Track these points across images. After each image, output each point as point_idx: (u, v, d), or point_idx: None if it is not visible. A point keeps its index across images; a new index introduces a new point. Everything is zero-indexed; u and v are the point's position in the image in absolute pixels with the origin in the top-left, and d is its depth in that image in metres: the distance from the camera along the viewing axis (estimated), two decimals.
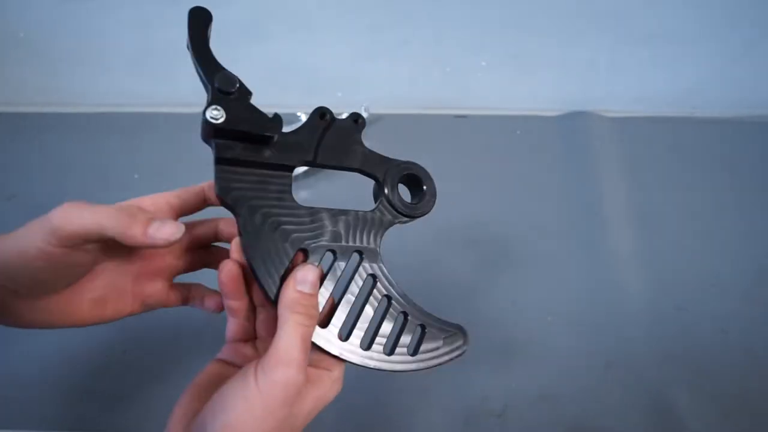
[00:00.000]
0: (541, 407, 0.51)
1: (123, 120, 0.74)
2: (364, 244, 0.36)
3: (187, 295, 0.40)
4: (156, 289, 0.38)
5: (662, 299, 0.58)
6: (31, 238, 0.31)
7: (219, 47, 0.82)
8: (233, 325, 0.36)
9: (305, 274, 0.32)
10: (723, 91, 0.76)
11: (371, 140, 0.79)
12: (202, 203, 0.38)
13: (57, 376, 0.53)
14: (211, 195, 0.36)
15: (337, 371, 0.34)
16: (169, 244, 0.32)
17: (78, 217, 0.30)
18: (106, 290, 0.36)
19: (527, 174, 0.70)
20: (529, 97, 0.77)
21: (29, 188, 0.67)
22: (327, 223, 0.35)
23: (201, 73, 0.33)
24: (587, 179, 0.69)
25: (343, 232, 0.35)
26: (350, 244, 0.35)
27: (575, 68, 0.75)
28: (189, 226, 0.37)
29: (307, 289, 0.32)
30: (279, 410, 0.30)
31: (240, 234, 0.33)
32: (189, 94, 0.78)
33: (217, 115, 0.31)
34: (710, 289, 0.59)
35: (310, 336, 0.32)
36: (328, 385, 0.34)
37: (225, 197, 0.33)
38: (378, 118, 0.75)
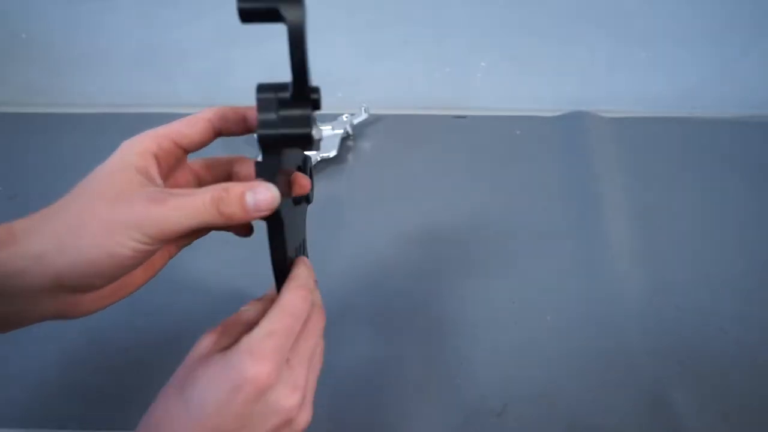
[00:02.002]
0: (541, 406, 0.51)
1: (123, 120, 0.74)
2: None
3: None
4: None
5: (662, 299, 0.58)
6: (116, 239, 0.28)
7: (219, 47, 0.83)
8: None
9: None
10: (723, 92, 0.76)
11: (371, 140, 0.79)
12: (243, 127, 0.34)
13: (57, 376, 0.53)
14: (253, 120, 0.33)
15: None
16: (273, 212, 0.30)
17: (167, 216, 0.28)
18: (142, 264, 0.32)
19: (527, 174, 0.70)
20: (529, 98, 0.77)
21: (30, 188, 0.67)
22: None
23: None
24: (587, 179, 0.69)
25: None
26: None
27: (575, 68, 0.75)
28: (203, 165, 0.35)
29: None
30: None
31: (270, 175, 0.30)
32: (189, 94, 0.78)
33: None
34: (710, 288, 0.59)
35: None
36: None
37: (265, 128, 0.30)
38: (378, 118, 0.75)
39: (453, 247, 0.62)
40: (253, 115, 0.33)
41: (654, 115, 0.76)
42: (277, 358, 0.28)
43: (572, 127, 0.75)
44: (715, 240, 0.63)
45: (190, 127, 0.33)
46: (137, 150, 0.31)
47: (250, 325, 0.30)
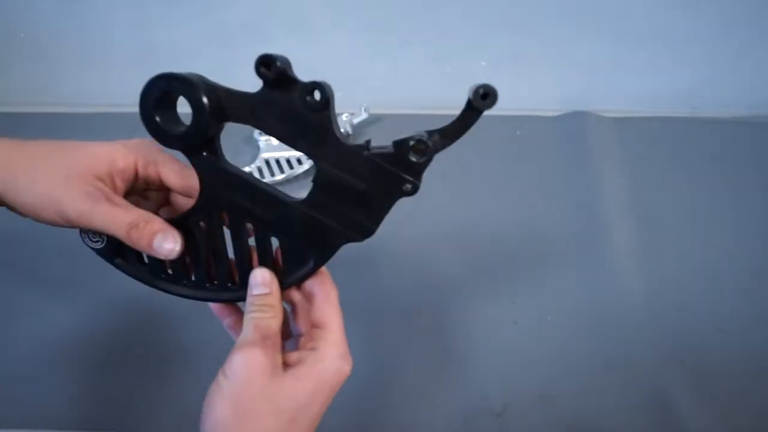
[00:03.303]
0: (541, 406, 0.51)
1: (121, 119, 0.74)
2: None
3: None
4: None
5: (662, 299, 0.58)
6: (46, 204, 0.34)
7: (219, 47, 0.83)
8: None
9: (257, 276, 0.36)
10: (723, 91, 0.76)
11: (372, 141, 0.79)
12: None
13: (57, 376, 0.53)
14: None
15: (323, 350, 0.34)
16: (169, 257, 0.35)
17: (91, 219, 0.33)
18: None
19: (527, 174, 0.70)
20: (529, 97, 0.77)
21: None
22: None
23: None
24: (587, 179, 0.69)
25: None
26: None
27: (575, 68, 0.75)
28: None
29: (260, 291, 0.35)
30: (246, 391, 0.31)
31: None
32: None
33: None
34: (710, 288, 0.59)
35: (269, 325, 0.34)
36: (309, 364, 0.34)
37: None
38: (378, 118, 0.75)
39: (453, 247, 0.62)
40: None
41: (655, 114, 0.76)
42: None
43: (573, 126, 0.75)
44: (716, 240, 0.63)
45: (177, 172, 0.38)
46: (121, 161, 0.36)
47: (283, 331, 0.36)
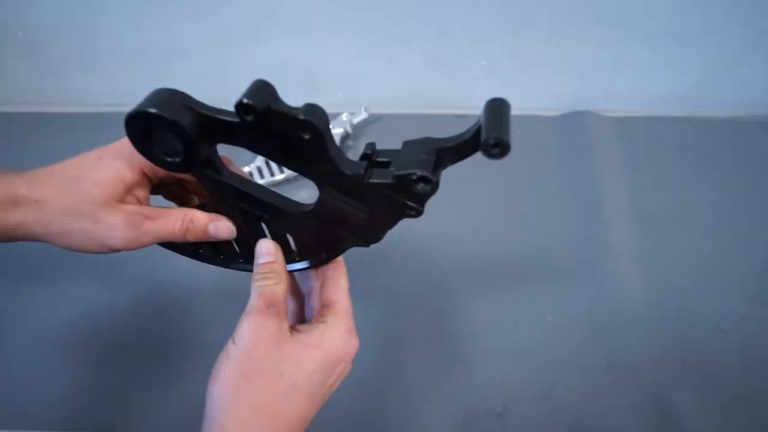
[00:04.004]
0: (542, 407, 0.51)
1: (120, 119, 0.74)
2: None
3: None
4: None
5: (663, 299, 0.58)
6: (89, 241, 0.35)
7: (220, 48, 0.83)
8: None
9: (261, 247, 0.37)
10: (724, 91, 0.76)
11: (371, 140, 0.79)
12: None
13: (56, 376, 0.53)
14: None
15: (331, 321, 0.36)
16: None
17: (143, 237, 0.35)
18: None
19: (528, 174, 0.70)
20: (530, 97, 0.77)
21: None
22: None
23: None
24: (588, 179, 0.68)
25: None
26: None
27: (576, 68, 0.75)
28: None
29: (264, 259, 0.37)
30: (251, 354, 0.33)
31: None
32: (190, 94, 0.78)
33: None
34: (711, 289, 0.59)
35: (274, 292, 0.35)
36: (317, 334, 0.35)
37: None
38: (378, 118, 0.75)
39: (453, 247, 0.62)
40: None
41: (656, 114, 0.76)
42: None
43: (574, 126, 0.75)
44: (717, 240, 0.63)
45: None
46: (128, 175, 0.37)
47: (299, 314, 0.41)
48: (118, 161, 0.35)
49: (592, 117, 0.75)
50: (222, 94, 0.77)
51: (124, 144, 0.35)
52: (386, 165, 0.32)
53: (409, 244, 0.62)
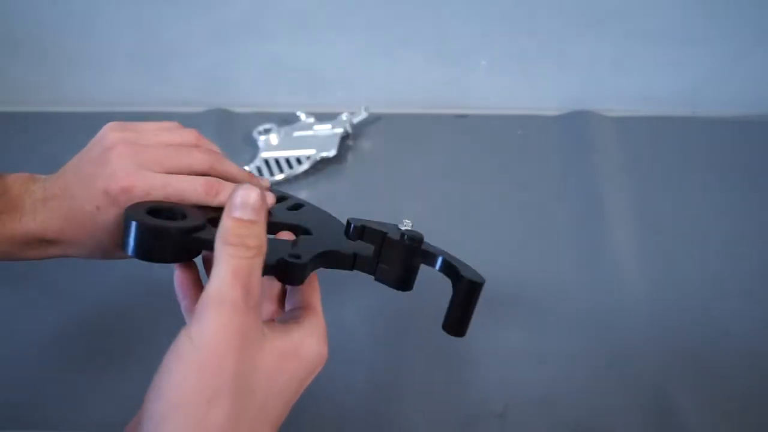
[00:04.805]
0: (542, 408, 0.51)
1: (119, 118, 0.73)
2: None
3: None
4: None
5: (664, 299, 0.58)
6: (104, 216, 0.33)
7: (220, 47, 0.82)
8: None
9: (245, 196, 0.27)
10: (725, 91, 0.76)
11: (371, 140, 0.79)
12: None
13: (56, 377, 0.52)
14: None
15: (309, 326, 0.30)
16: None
17: (155, 193, 0.33)
18: None
19: (528, 174, 0.69)
20: (531, 97, 0.77)
21: None
22: None
23: None
24: (589, 179, 0.68)
25: None
26: None
27: (577, 67, 0.75)
28: None
29: (246, 215, 0.27)
30: (218, 365, 0.24)
31: None
32: (189, 94, 0.78)
33: None
34: (712, 289, 0.59)
35: (251, 270, 0.26)
36: (296, 339, 0.28)
37: None
38: (378, 117, 0.75)
39: (453, 248, 0.62)
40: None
41: (658, 114, 0.76)
42: None
43: (575, 126, 0.74)
44: (718, 240, 0.63)
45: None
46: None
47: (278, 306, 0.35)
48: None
49: (592, 117, 0.75)
50: (219, 92, 0.77)
51: None
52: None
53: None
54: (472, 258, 0.63)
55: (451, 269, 0.35)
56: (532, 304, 0.57)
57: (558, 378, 0.52)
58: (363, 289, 0.58)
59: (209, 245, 0.28)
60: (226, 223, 0.27)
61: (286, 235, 0.37)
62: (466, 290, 0.34)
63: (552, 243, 0.63)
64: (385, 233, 0.36)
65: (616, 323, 0.56)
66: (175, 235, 0.29)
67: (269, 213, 0.34)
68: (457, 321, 0.35)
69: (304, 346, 0.29)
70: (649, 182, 0.68)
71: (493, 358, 0.54)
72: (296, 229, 0.37)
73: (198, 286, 0.34)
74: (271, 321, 0.32)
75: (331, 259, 0.35)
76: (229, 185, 0.33)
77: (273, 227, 0.37)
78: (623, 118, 0.75)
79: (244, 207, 0.27)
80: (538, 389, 0.52)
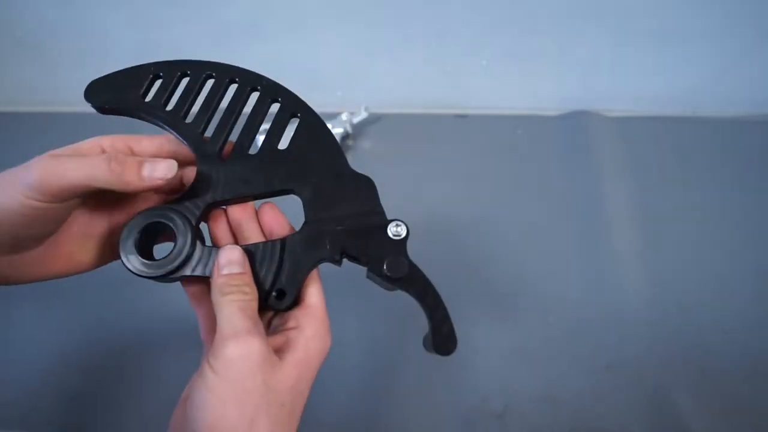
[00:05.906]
0: (542, 408, 0.51)
1: (123, 120, 0.74)
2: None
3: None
4: None
5: (663, 299, 0.58)
6: (9, 194, 0.29)
7: (220, 47, 0.82)
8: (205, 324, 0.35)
9: (228, 255, 0.32)
10: (724, 91, 0.76)
11: (371, 140, 0.79)
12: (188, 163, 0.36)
13: (55, 378, 0.52)
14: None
15: (310, 328, 0.32)
16: (167, 183, 0.31)
17: (63, 169, 0.29)
18: (83, 239, 0.34)
19: (528, 173, 0.69)
20: (530, 97, 0.77)
21: None
22: None
23: None
24: (588, 179, 0.68)
25: None
26: None
27: (576, 67, 0.75)
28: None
29: (234, 270, 0.31)
30: (249, 388, 0.28)
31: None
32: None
33: None
34: (712, 289, 0.59)
35: (252, 307, 0.31)
36: (304, 345, 0.31)
37: None
38: (378, 118, 0.75)
39: (454, 248, 0.62)
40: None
41: (656, 114, 0.76)
42: None
43: (574, 126, 0.75)
44: (718, 240, 0.63)
45: (150, 139, 0.36)
46: (86, 145, 0.34)
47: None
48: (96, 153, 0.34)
49: (592, 117, 0.75)
50: None
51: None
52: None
53: (409, 243, 0.62)
54: (472, 258, 0.64)
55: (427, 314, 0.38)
56: (532, 304, 0.57)
57: (558, 378, 0.52)
58: (362, 289, 0.58)
59: (190, 279, 0.33)
60: (218, 281, 0.31)
61: (229, 249, 0.33)
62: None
63: (552, 243, 0.63)
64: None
65: (616, 323, 0.56)
66: (158, 278, 0.32)
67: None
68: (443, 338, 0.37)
69: (311, 350, 0.31)
70: (648, 181, 0.68)
71: (493, 358, 0.54)
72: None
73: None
74: (273, 335, 0.33)
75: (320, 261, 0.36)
76: (134, 159, 0.31)
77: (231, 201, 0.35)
78: (623, 118, 0.76)
79: (230, 264, 0.31)
80: (539, 389, 0.52)
